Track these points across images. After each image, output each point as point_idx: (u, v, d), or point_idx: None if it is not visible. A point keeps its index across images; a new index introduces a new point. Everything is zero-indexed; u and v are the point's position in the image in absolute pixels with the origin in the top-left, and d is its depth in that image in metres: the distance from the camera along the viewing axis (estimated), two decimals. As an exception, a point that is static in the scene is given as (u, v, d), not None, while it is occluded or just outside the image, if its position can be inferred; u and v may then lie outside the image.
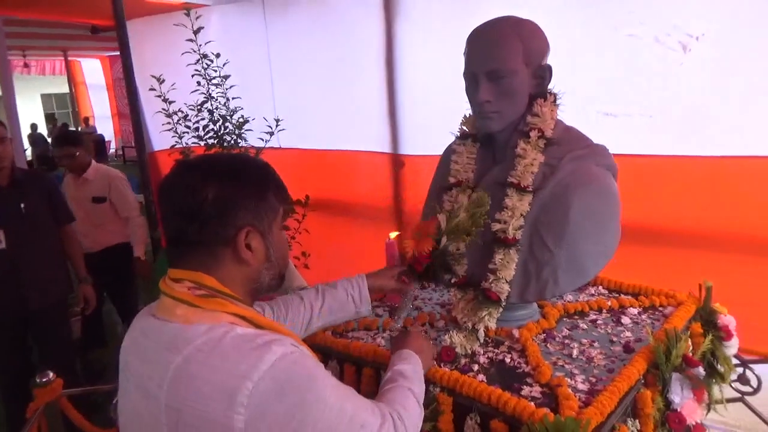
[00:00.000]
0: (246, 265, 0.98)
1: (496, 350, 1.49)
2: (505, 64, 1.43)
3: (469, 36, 1.51)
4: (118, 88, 13.30)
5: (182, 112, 3.62)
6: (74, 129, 13.95)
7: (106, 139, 15.54)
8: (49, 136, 15.79)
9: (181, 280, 0.95)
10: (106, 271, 3.58)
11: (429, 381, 1.34)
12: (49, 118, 19.56)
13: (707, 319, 1.66)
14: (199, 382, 0.84)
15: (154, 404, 0.88)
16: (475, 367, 1.41)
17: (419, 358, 1.23)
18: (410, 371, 1.18)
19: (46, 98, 20.30)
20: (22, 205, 2.68)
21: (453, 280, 1.51)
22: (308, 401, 0.86)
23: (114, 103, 14.28)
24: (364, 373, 1.45)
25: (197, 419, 0.84)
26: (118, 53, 3.79)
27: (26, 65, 12.69)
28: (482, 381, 1.32)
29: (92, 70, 13.97)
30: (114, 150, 15.89)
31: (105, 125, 15.29)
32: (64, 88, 13.26)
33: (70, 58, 12.27)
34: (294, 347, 0.90)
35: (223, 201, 0.94)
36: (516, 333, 1.53)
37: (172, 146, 3.71)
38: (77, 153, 3.54)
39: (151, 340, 0.95)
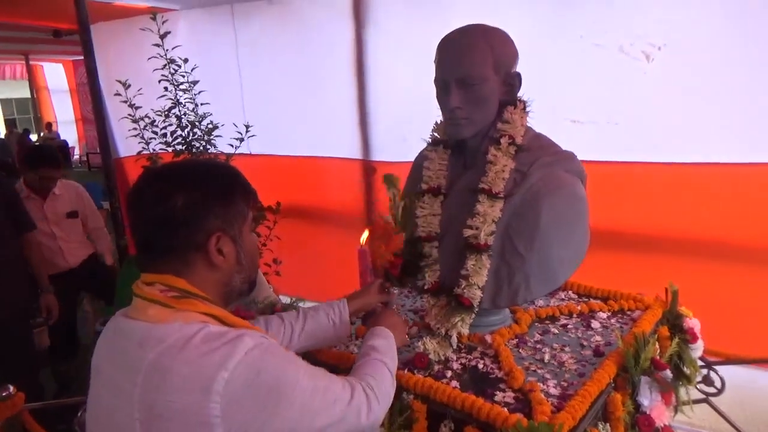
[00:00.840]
0: (218, 270, 1.00)
1: (469, 356, 1.49)
2: (476, 71, 1.45)
3: (439, 43, 1.52)
4: (82, 93, 12.99)
5: (149, 117, 3.55)
6: (36, 137, 13.58)
7: (70, 145, 15.14)
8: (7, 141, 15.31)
9: (153, 283, 0.97)
10: (92, 280, 3.59)
11: (402, 388, 1.34)
12: (10, 123, 19.01)
13: (674, 322, 1.70)
14: (172, 376, 0.86)
15: (126, 401, 0.89)
16: (449, 374, 1.41)
17: (392, 333, 1.28)
18: (383, 345, 1.22)
19: (6, 103, 19.72)
20: (-22, 213, 2.58)
21: (426, 287, 1.52)
22: (282, 386, 0.90)
23: (78, 108, 13.95)
24: (337, 382, 1.43)
25: (171, 412, 0.85)
26: (82, 57, 3.69)
27: (-15, 69, 12.30)
28: (456, 387, 1.32)
29: (55, 74, 13.61)
30: (78, 156, 15.49)
31: (68, 130, 14.91)
32: (26, 93, 12.89)
33: (31, 62, 11.94)
34: (264, 338, 0.93)
35: (193, 207, 0.96)
36: (489, 338, 1.54)
37: (139, 152, 3.64)
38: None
39: (122, 339, 0.96)
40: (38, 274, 2.93)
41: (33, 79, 12.34)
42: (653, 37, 2.63)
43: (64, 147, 13.63)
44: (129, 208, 1.01)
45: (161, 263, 0.98)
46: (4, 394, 1.95)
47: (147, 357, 0.88)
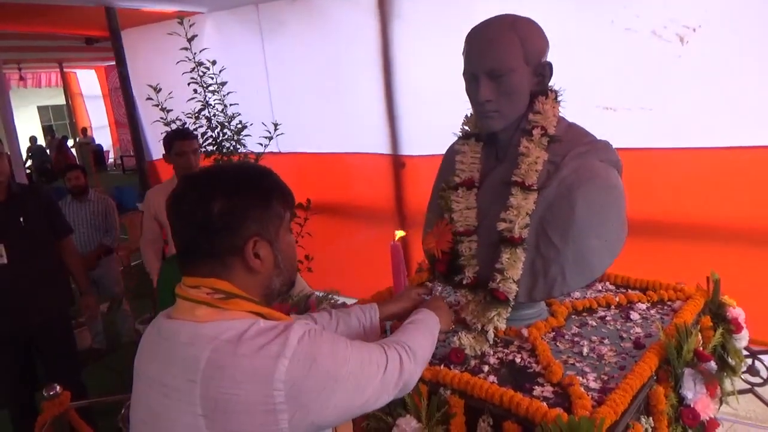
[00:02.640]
0: (256, 273, 1.02)
1: (505, 350, 1.48)
2: (505, 62, 1.42)
3: (467, 35, 1.50)
4: (115, 98, 13.31)
5: (180, 120, 3.62)
6: (72, 142, 13.96)
7: (105, 149, 15.52)
8: (47, 148, 15.81)
9: (198, 286, 0.99)
10: None
11: (440, 383, 1.34)
12: (47, 130, 19.57)
13: (716, 312, 1.66)
14: (233, 371, 0.89)
15: (185, 400, 0.91)
16: (486, 368, 1.40)
17: (435, 314, 1.32)
18: (420, 319, 1.27)
19: (42, 110, 20.27)
20: (21, 219, 2.66)
21: (465, 282, 1.51)
22: (337, 365, 0.95)
23: (111, 113, 14.30)
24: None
25: (236, 404, 0.88)
26: (114, 63, 3.78)
27: (22, 78, 12.69)
28: (493, 382, 1.31)
29: (88, 80, 13.98)
30: (113, 159, 15.88)
31: (103, 135, 15.29)
32: (61, 100, 13.27)
33: (65, 70, 12.28)
34: (309, 325, 0.97)
35: (230, 212, 0.98)
36: (525, 332, 1.52)
37: (172, 155, 3.70)
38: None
39: (168, 340, 0.98)
40: (77, 276, 3.00)
41: (67, 86, 12.69)
42: (688, 18, 2.56)
43: (99, 151, 14.04)
44: (169, 213, 1.02)
45: (202, 267, 1.00)
46: (51, 393, 2.02)
47: (202, 355, 0.90)
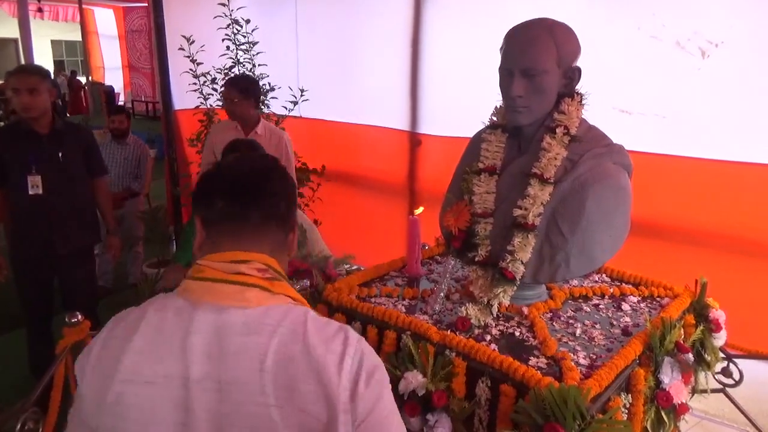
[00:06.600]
0: (287, 252, 1.06)
1: (506, 324, 1.64)
2: (539, 63, 1.55)
3: (507, 34, 1.62)
4: (130, 40, 13.25)
5: (210, 75, 3.72)
6: (85, 80, 13.92)
7: (115, 91, 15.45)
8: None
9: (248, 261, 0.95)
10: None
11: (446, 346, 1.49)
12: (58, 64, 19.48)
13: (700, 312, 1.81)
14: (303, 363, 0.88)
15: (250, 389, 0.87)
16: (488, 338, 1.55)
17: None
18: None
19: (56, 44, 20.13)
20: (60, 154, 2.78)
21: (477, 259, 1.66)
22: (385, 376, 0.95)
23: (126, 55, 14.21)
24: (386, 335, 1.58)
25: (307, 395, 0.87)
26: (133, 5, 3.85)
27: (40, 10, 12.62)
28: (494, 350, 1.46)
29: (105, 19, 13.88)
30: (123, 103, 15.84)
31: (115, 77, 15.21)
32: (74, 36, 13.17)
33: (84, 6, 12.21)
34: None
35: (293, 194, 1.08)
36: (525, 310, 1.68)
37: (197, 107, 3.81)
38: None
39: (201, 333, 0.90)
40: (106, 216, 3.14)
41: (84, 22, 12.61)
42: (712, 34, 2.65)
43: (110, 92, 14.00)
44: (245, 186, 0.99)
45: (255, 237, 0.98)
46: (73, 320, 2.18)
47: (270, 343, 0.88)
